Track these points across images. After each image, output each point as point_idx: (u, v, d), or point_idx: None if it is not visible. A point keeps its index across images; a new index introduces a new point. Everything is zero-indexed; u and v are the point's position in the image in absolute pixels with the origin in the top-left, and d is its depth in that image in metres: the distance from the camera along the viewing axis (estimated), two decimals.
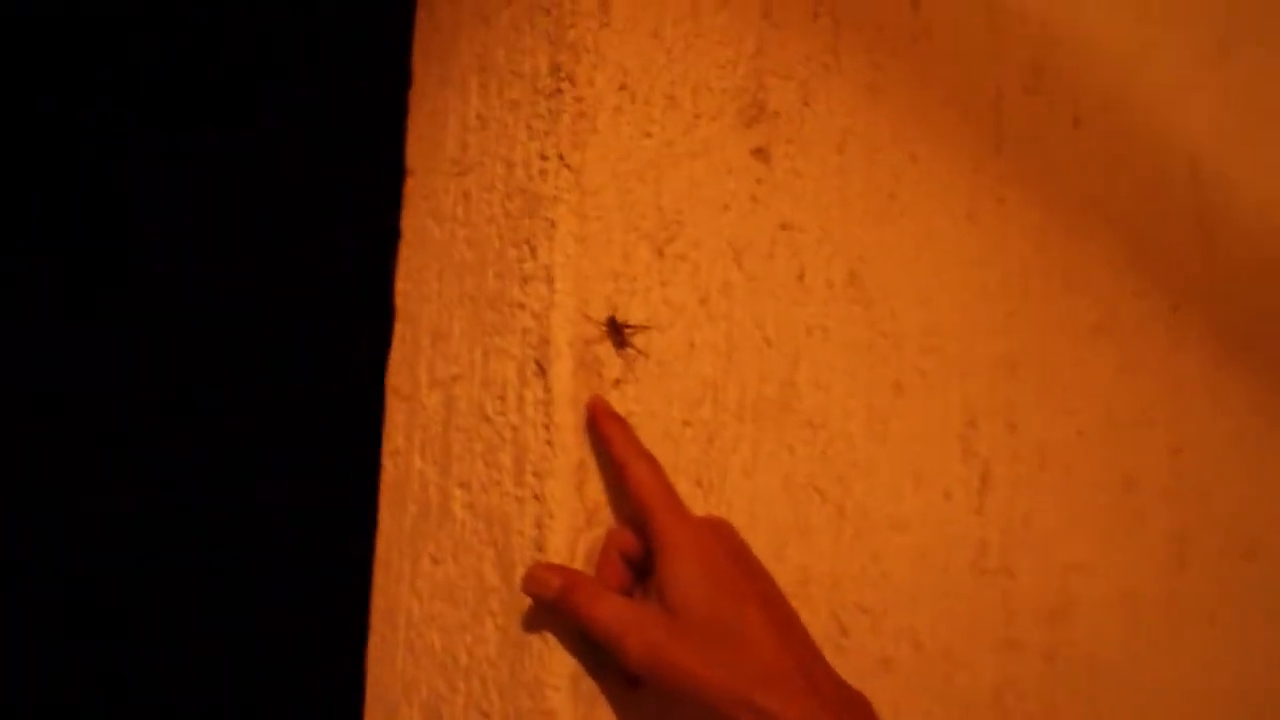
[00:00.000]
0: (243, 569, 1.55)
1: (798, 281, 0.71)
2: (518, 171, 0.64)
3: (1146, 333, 1.01)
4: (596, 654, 0.58)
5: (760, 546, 0.60)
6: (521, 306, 0.62)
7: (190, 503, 1.57)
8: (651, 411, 0.62)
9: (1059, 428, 0.89)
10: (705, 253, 0.66)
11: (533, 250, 0.62)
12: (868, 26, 0.79)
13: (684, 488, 0.61)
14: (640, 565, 0.57)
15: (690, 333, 0.65)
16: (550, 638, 0.58)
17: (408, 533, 0.70)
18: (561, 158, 0.61)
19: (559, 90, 0.62)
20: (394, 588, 0.71)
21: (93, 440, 1.55)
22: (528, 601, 0.59)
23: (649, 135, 0.64)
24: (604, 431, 0.58)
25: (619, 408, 0.61)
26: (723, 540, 0.56)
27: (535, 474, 0.59)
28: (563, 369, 0.59)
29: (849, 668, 0.59)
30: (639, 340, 0.61)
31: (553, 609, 0.57)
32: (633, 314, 0.62)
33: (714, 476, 0.64)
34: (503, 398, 0.63)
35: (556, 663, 0.58)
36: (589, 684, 0.59)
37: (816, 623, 0.68)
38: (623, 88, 0.63)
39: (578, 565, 0.58)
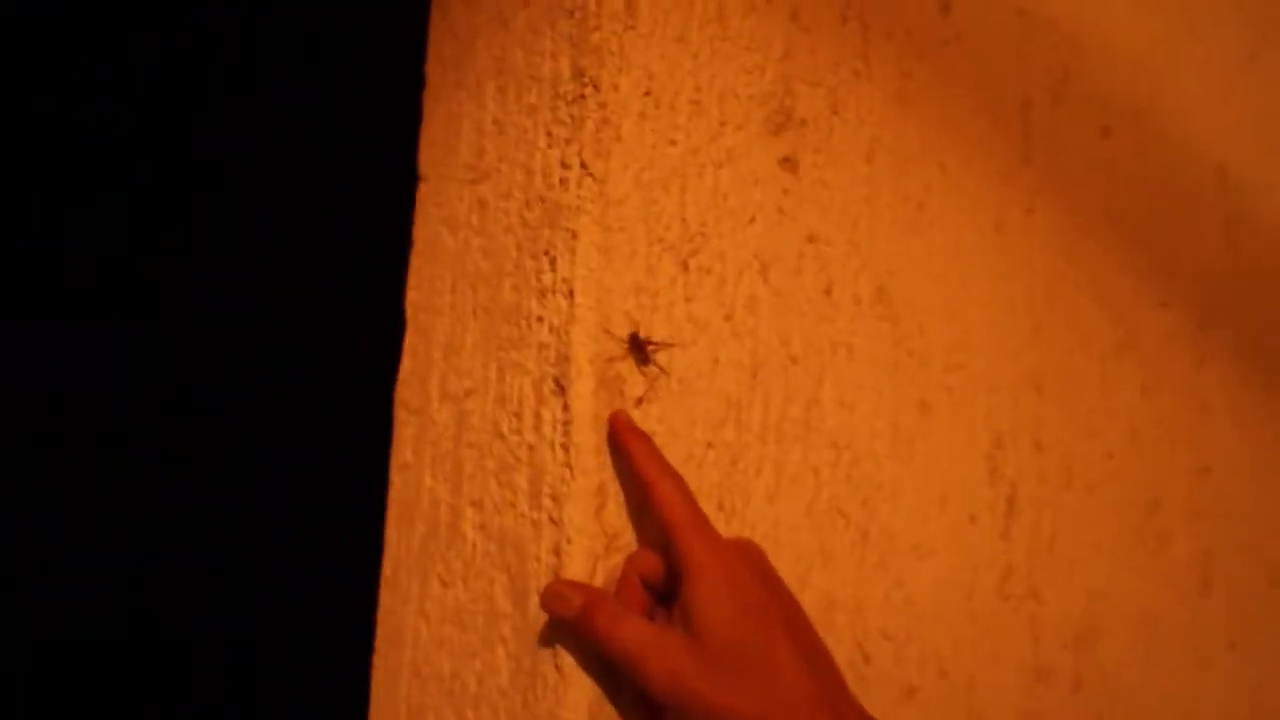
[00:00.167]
0: (243, 570, 1.54)
1: (825, 297, 0.68)
2: (537, 179, 0.62)
3: (1172, 350, 0.99)
4: (614, 683, 0.56)
5: (784, 573, 0.57)
6: (540, 320, 0.60)
7: (190, 503, 1.56)
8: (674, 431, 0.59)
9: (1085, 448, 0.87)
10: (730, 266, 0.63)
11: (552, 262, 0.59)
12: (897, 31, 0.77)
13: (706, 512, 0.59)
14: (661, 591, 0.55)
15: (714, 349, 0.62)
16: (566, 668, 0.55)
17: (416, 552, 0.68)
18: (584, 166, 0.58)
19: (582, 95, 0.59)
20: (401, 609, 0.69)
21: (93, 440, 1.53)
22: (541, 629, 0.56)
23: (674, 143, 0.62)
24: (627, 447, 0.56)
25: (641, 427, 0.58)
26: (751, 564, 0.54)
27: (552, 497, 0.57)
28: (583, 387, 0.56)
29: (873, 697, 0.57)
30: (661, 357, 0.59)
31: (571, 628, 0.54)
32: (656, 330, 0.59)
33: (737, 500, 0.62)
34: (518, 415, 0.60)
35: (572, 695, 0.55)
36: (606, 717, 0.56)
37: (840, 650, 0.65)
38: (648, 93, 0.61)
39: None
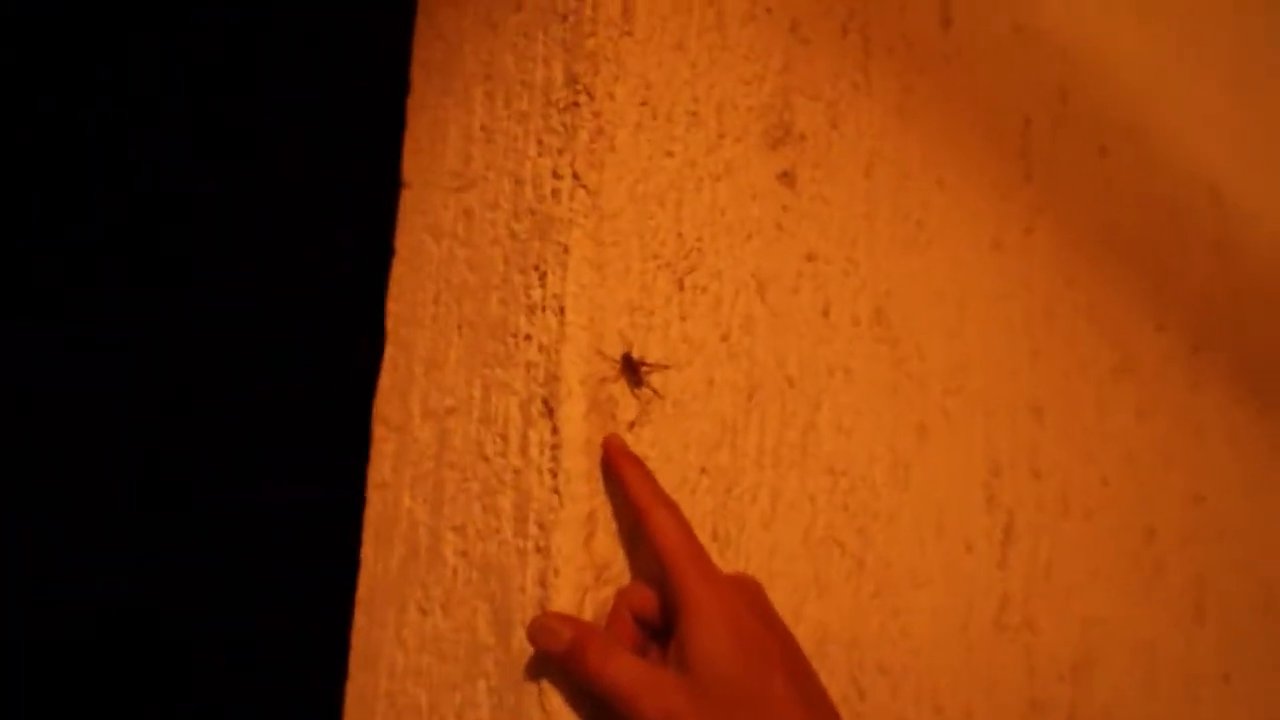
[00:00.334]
0: (243, 570, 1.53)
1: (823, 317, 0.66)
2: (526, 190, 0.59)
3: (1167, 373, 0.97)
4: None
5: (779, 604, 0.55)
6: (528, 338, 0.57)
7: (190, 503, 1.55)
8: (667, 456, 0.57)
9: (1082, 474, 0.85)
10: (727, 284, 0.61)
11: (542, 277, 0.56)
12: (898, 45, 0.75)
13: (700, 541, 0.56)
14: (655, 627, 0.52)
15: (710, 371, 0.59)
16: (553, 707, 0.52)
17: (394, 575, 0.65)
18: (576, 177, 0.56)
19: (575, 103, 0.56)
20: (377, 633, 0.65)
21: (93, 440, 1.52)
22: (526, 664, 0.53)
23: (670, 155, 0.59)
24: (621, 473, 0.53)
25: (634, 451, 0.55)
26: (750, 602, 0.51)
27: (539, 524, 0.54)
28: (573, 409, 0.54)
29: None
30: (655, 379, 0.56)
31: (560, 664, 0.51)
32: (650, 350, 0.56)
33: (731, 528, 0.59)
34: (504, 437, 0.58)
35: None
36: None
37: (834, 685, 0.63)
38: (644, 102, 0.58)
39: None
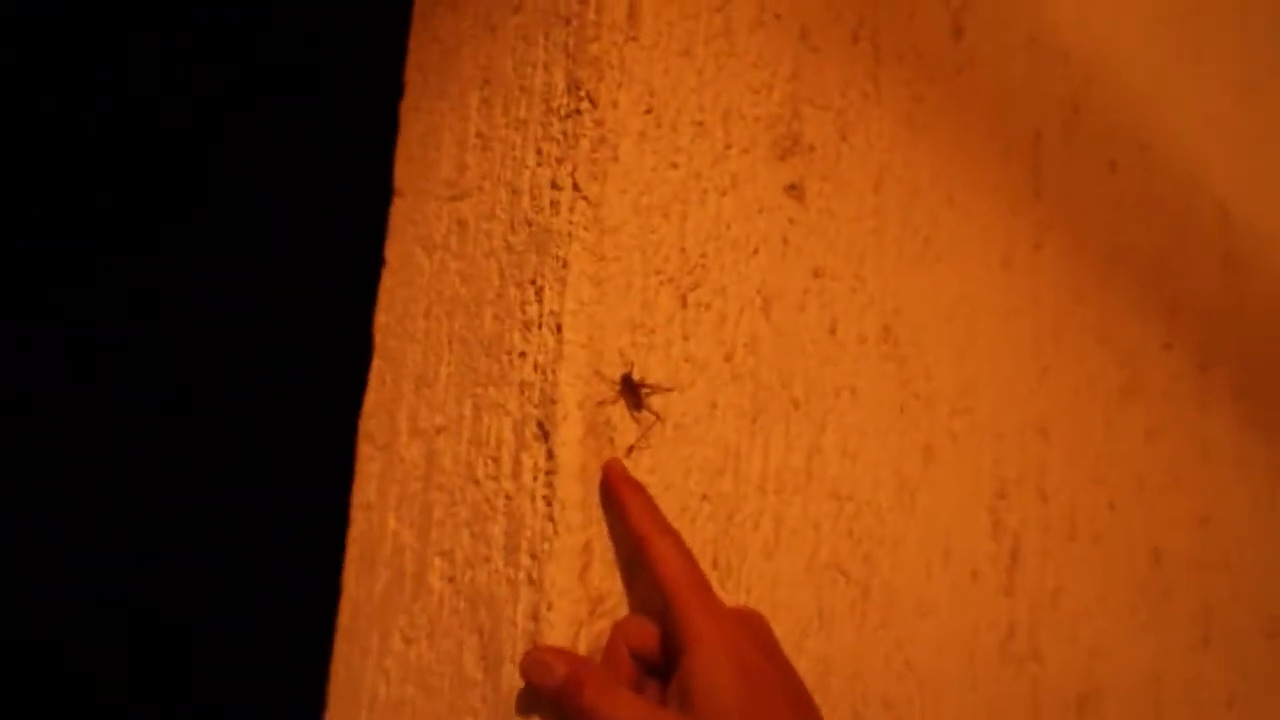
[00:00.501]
0: (243, 570, 1.52)
1: (829, 336, 0.63)
2: (524, 200, 0.56)
3: (1175, 393, 0.95)
4: None
5: (781, 635, 0.52)
6: (523, 356, 0.54)
7: (190, 503, 1.55)
8: (667, 483, 0.54)
9: (1089, 496, 0.83)
10: (732, 301, 0.58)
11: (539, 292, 0.54)
12: (909, 54, 0.72)
13: (702, 571, 0.53)
14: (652, 662, 0.49)
15: (713, 392, 0.57)
16: None
17: (377, 601, 0.62)
18: (577, 188, 0.53)
19: (577, 110, 0.54)
20: (358, 661, 0.63)
21: (92, 440, 1.51)
22: (517, 700, 0.51)
23: (675, 166, 0.57)
24: (622, 500, 0.50)
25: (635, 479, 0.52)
26: (756, 638, 0.49)
27: (532, 554, 0.51)
28: (569, 433, 0.51)
29: None
30: (656, 401, 0.53)
31: (554, 701, 0.49)
32: (651, 371, 0.54)
33: (733, 558, 0.57)
34: (495, 459, 0.55)
35: None
36: None
37: None
38: (649, 111, 0.55)
39: None
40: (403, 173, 0.64)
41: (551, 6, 0.57)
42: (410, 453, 0.61)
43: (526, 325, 0.54)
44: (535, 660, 0.49)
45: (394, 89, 0.67)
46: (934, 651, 0.68)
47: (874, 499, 0.65)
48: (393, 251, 0.65)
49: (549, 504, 0.51)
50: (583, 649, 0.50)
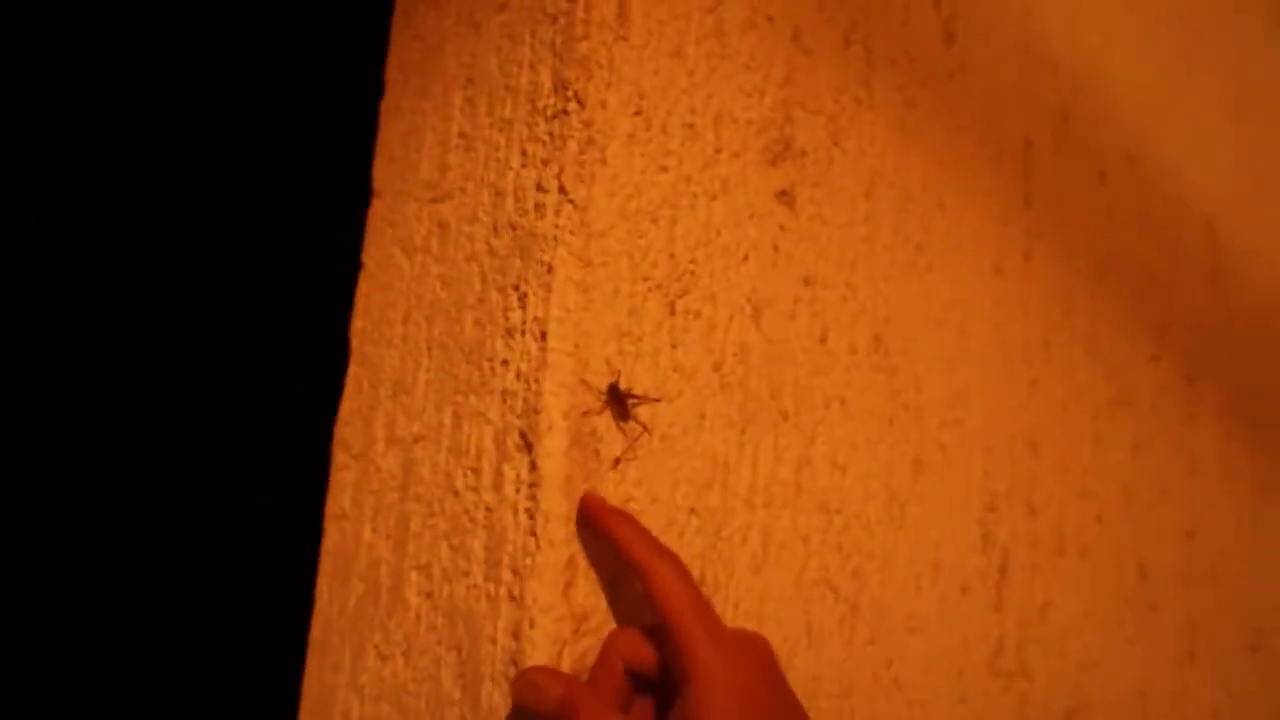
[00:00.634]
0: (243, 570, 1.50)
1: (820, 345, 0.62)
2: (508, 202, 0.54)
3: (1162, 405, 0.95)
4: None
5: None
6: (505, 364, 0.52)
7: (190, 503, 1.54)
8: (654, 496, 0.52)
9: (1077, 510, 0.82)
10: (721, 309, 0.57)
11: (523, 298, 0.52)
12: (900, 58, 0.71)
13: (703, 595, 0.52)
14: (645, 678, 0.47)
15: (701, 403, 0.55)
16: None
17: (350, 615, 0.60)
18: (563, 190, 0.51)
19: (564, 111, 0.52)
20: (330, 677, 0.60)
21: (92, 440, 1.50)
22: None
23: (664, 169, 0.55)
24: (611, 531, 0.48)
25: (618, 492, 0.51)
26: (762, 669, 0.47)
27: (513, 570, 0.49)
28: (554, 444, 0.49)
29: None
30: (643, 412, 0.52)
31: None
32: (638, 380, 0.52)
33: (720, 573, 0.55)
34: (476, 470, 0.53)
35: None
36: None
37: None
38: (638, 112, 0.54)
39: None
40: (382, 173, 0.62)
41: (538, 4, 0.55)
42: (387, 462, 0.59)
43: (509, 332, 0.52)
44: (528, 682, 0.47)
45: (368, 89, 0.66)
46: (923, 668, 0.66)
47: (863, 512, 0.64)
48: (370, 254, 0.63)
49: (531, 517, 0.49)
50: (566, 668, 0.49)
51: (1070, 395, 0.83)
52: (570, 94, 0.52)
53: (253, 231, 1.54)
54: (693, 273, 0.56)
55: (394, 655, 0.56)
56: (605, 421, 0.51)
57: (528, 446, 0.50)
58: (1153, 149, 0.98)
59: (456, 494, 0.54)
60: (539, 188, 0.52)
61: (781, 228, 0.61)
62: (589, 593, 0.49)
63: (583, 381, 0.50)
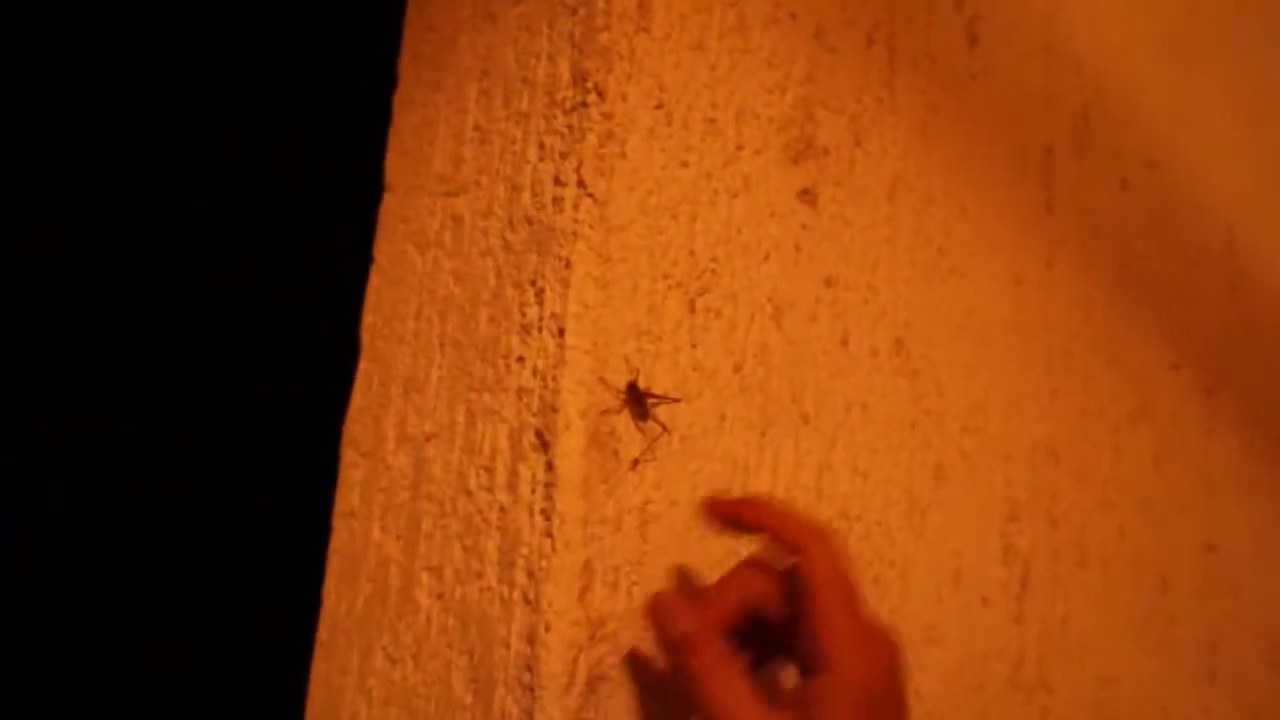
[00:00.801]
0: (243, 570, 1.49)
1: (841, 347, 0.61)
2: (524, 197, 0.53)
3: (1183, 416, 0.93)
4: None
5: None
6: (521, 361, 0.51)
7: (190, 503, 1.53)
8: (673, 499, 0.51)
9: (1098, 521, 0.80)
10: (742, 309, 0.55)
11: (539, 294, 0.51)
12: (923, 59, 0.70)
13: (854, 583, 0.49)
14: (762, 618, 0.46)
15: (721, 404, 0.54)
16: None
17: (358, 616, 0.58)
18: (582, 184, 0.50)
19: (583, 103, 0.51)
20: (338, 680, 0.59)
21: (92, 440, 1.50)
22: None
23: (685, 165, 0.54)
24: (759, 520, 0.46)
25: (634, 494, 0.49)
26: (891, 673, 0.45)
27: (528, 572, 0.48)
28: (571, 444, 0.48)
29: None
30: (662, 412, 0.50)
31: (660, 647, 0.46)
32: (658, 379, 0.51)
33: None
34: (489, 470, 0.52)
35: None
36: None
37: None
38: (659, 106, 0.53)
39: (576, 690, 0.47)
40: (394, 167, 0.61)
41: None
42: (398, 460, 0.58)
43: (525, 328, 0.51)
44: (663, 604, 0.45)
45: (382, 82, 0.65)
46: (942, 680, 0.65)
47: (884, 519, 0.62)
48: (382, 249, 0.62)
49: (547, 518, 0.48)
50: (580, 676, 0.47)
51: (1091, 405, 0.82)
52: (590, 85, 0.51)
53: (257, 229, 1.54)
54: (713, 271, 0.54)
55: (403, 658, 0.54)
56: (624, 421, 0.49)
57: (544, 446, 0.49)
58: (1173, 156, 0.96)
59: (470, 494, 0.52)
60: (557, 181, 0.51)
61: (803, 227, 0.59)
62: (606, 597, 0.48)
63: (601, 380, 0.49)
